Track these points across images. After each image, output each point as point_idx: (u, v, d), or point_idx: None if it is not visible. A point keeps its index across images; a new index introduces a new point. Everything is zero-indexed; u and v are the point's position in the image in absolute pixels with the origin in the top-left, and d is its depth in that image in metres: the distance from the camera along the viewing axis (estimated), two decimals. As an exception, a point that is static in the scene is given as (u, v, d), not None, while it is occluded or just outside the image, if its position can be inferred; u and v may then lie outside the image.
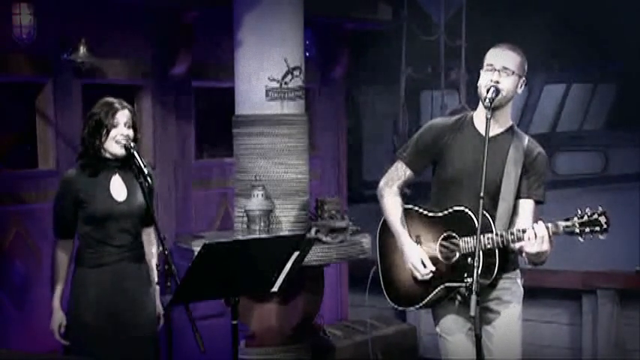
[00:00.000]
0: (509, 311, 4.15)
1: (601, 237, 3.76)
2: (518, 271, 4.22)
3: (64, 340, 4.46)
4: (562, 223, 3.83)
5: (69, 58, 6.25)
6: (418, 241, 4.20)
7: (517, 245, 3.92)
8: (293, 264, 4.13)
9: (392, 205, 4.27)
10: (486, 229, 3.95)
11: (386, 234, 4.33)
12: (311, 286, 6.15)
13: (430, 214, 4.19)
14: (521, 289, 4.21)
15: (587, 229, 3.76)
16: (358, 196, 9.94)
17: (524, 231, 3.88)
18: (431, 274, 4.12)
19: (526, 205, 4.08)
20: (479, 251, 3.79)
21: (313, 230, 6.00)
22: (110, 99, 4.44)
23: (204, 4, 6.83)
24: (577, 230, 3.79)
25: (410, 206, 4.28)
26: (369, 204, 10.41)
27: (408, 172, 4.27)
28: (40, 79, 6.29)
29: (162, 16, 6.85)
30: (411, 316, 8.12)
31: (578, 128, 13.34)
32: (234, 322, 4.12)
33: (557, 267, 7.79)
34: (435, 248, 4.15)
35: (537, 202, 4.12)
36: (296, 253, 4.11)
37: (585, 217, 3.77)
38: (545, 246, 3.84)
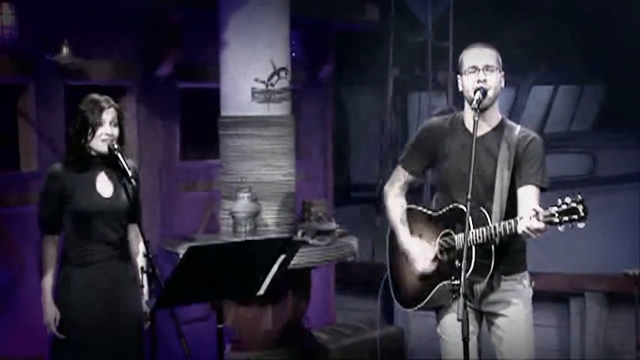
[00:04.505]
0: (517, 314, 4.10)
1: (580, 226, 3.64)
2: (525, 272, 4.15)
3: (60, 333, 4.40)
4: (543, 212, 3.70)
5: (52, 59, 6.20)
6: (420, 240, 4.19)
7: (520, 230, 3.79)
8: (279, 267, 4.10)
9: (392, 205, 4.29)
10: (481, 223, 3.92)
11: (393, 237, 4.32)
12: (298, 289, 6.11)
13: (430, 213, 4.19)
14: (529, 290, 4.14)
15: (566, 218, 3.64)
16: (345, 198, 9.91)
17: (516, 222, 3.81)
18: (433, 267, 4.10)
19: (524, 194, 3.98)
20: (465, 253, 3.75)
21: (300, 233, 5.97)
22: (96, 96, 4.43)
23: (190, 5, 6.80)
24: (556, 220, 3.66)
25: (412, 206, 4.28)
26: (355, 206, 10.40)
27: (407, 174, 4.27)
28: (22, 80, 6.24)
29: (148, 17, 6.82)
30: (399, 319, 8.09)
31: (565, 130, 13.33)
32: (220, 325, 4.09)
33: (545, 270, 7.77)
34: (435, 246, 4.12)
35: (539, 187, 4.00)
36: (282, 256, 4.08)
37: (564, 206, 3.65)
38: (541, 228, 3.71)
